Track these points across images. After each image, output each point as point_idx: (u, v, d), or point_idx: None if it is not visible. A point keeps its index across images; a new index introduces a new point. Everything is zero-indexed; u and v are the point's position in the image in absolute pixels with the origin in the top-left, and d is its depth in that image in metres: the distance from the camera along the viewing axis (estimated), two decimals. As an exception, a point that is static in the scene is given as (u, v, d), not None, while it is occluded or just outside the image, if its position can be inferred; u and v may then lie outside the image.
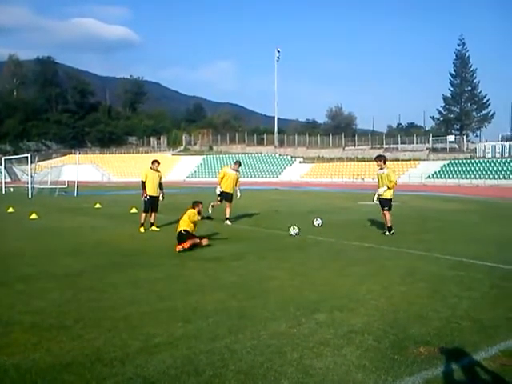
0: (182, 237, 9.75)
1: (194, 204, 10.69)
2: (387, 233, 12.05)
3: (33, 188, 30.92)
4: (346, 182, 58.84)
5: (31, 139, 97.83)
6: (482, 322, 5.15)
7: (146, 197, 12.89)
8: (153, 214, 13.12)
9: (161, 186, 13.26)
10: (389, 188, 12.15)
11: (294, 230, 12.28)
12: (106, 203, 22.20)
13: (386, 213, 12.11)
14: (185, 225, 10.07)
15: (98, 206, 20.48)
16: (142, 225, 12.71)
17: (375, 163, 12.80)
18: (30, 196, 28.98)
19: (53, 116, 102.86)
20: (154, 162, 13.39)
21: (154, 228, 12.98)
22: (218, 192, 14.65)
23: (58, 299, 6.05)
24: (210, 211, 14.29)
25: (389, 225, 12.10)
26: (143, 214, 12.88)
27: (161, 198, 13.27)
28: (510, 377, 3.83)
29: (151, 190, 12.97)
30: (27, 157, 34.13)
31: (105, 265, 8.26)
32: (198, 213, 10.60)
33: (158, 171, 13.29)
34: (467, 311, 5.51)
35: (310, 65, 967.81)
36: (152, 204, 12.99)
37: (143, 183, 12.99)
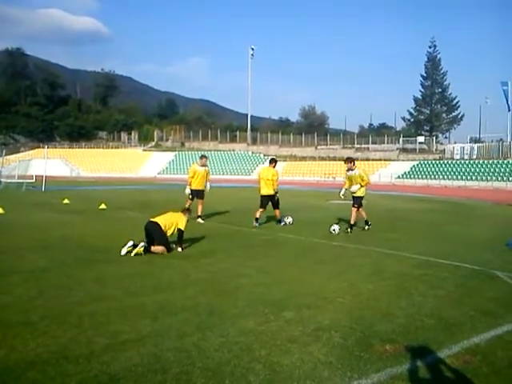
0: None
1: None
2: (366, 227, 12.85)
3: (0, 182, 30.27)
4: (317, 180, 59.24)
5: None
6: (447, 319, 5.25)
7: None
8: (199, 205, 14.27)
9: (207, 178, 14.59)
10: (361, 186, 12.72)
11: (287, 220, 13.28)
12: (74, 199, 21.87)
13: (354, 209, 12.67)
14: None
15: (66, 201, 20.13)
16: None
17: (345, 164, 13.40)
18: (-4, 190, 28.36)
19: (22, 109, 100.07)
20: (202, 157, 14.99)
21: (199, 220, 13.89)
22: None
23: (23, 295, 5.94)
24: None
25: (365, 218, 12.94)
26: (188, 201, 14.03)
27: (208, 187, 14.64)
28: (472, 374, 3.92)
29: (197, 184, 14.31)
30: (-6, 150, 33.43)
31: (72, 261, 8.13)
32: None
33: (206, 165, 14.72)
34: (432, 309, 5.62)
35: (284, 63, 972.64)
36: (197, 195, 14.31)
37: (191, 178, 14.44)
